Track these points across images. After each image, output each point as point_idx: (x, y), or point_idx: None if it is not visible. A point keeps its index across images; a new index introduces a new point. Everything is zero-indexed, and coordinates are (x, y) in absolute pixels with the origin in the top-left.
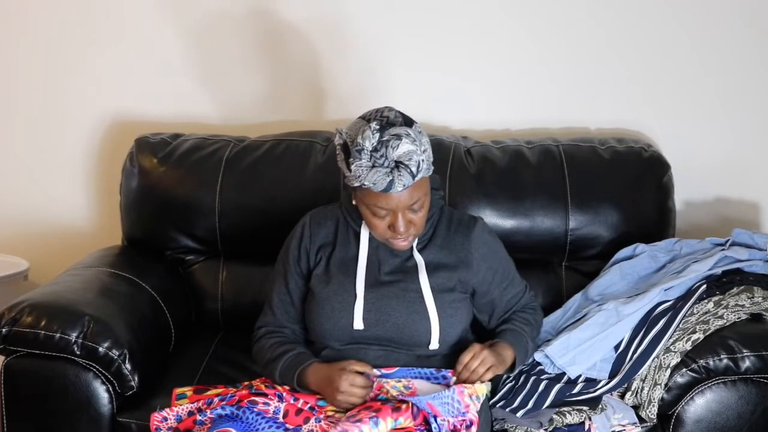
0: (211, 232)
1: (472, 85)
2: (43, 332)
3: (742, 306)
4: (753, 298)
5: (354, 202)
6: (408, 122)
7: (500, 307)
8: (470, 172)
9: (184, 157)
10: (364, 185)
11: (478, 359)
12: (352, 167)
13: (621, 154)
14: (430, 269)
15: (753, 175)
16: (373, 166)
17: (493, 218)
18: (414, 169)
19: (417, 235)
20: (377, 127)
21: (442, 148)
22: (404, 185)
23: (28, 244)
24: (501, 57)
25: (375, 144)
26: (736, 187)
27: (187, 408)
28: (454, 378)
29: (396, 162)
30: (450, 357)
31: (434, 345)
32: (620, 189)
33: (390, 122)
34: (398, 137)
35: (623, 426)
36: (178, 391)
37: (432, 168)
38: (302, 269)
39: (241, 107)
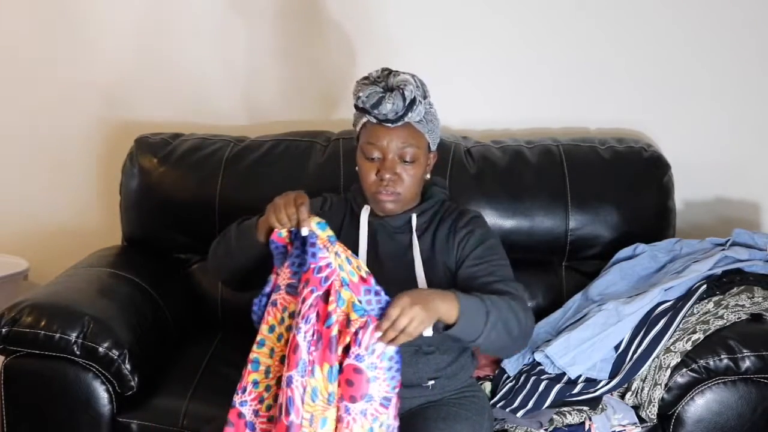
0: (211, 232)
1: (472, 85)
2: (43, 332)
3: (742, 306)
4: (753, 298)
5: (357, 167)
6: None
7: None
8: (470, 172)
9: (184, 157)
10: (358, 99)
11: (407, 316)
12: (356, 87)
13: (621, 154)
14: (425, 254)
15: (753, 175)
16: (372, 83)
17: (493, 218)
18: (407, 95)
19: (403, 196)
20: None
21: (442, 148)
22: (393, 104)
23: (28, 244)
24: (501, 57)
25: (380, 74)
26: (736, 187)
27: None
28: (373, 324)
29: (393, 87)
30: (447, 357)
31: (428, 332)
32: (620, 189)
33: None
34: (405, 80)
35: (623, 426)
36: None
37: (434, 134)
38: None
39: (241, 108)
